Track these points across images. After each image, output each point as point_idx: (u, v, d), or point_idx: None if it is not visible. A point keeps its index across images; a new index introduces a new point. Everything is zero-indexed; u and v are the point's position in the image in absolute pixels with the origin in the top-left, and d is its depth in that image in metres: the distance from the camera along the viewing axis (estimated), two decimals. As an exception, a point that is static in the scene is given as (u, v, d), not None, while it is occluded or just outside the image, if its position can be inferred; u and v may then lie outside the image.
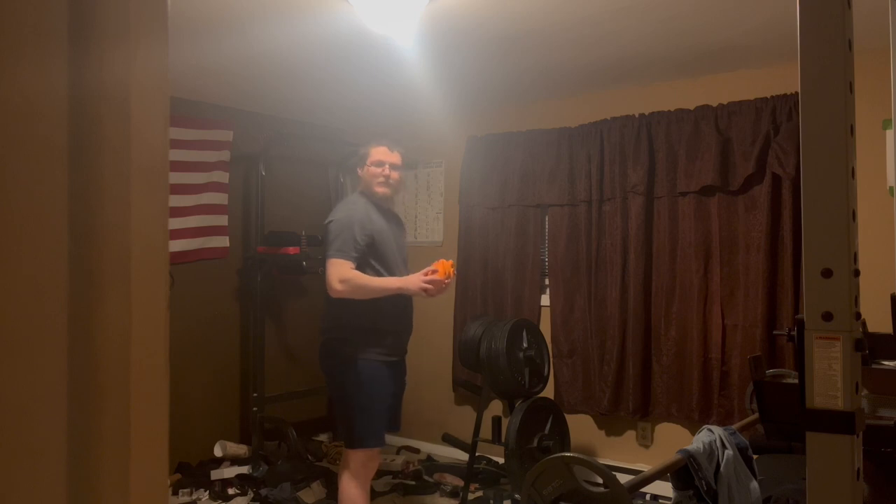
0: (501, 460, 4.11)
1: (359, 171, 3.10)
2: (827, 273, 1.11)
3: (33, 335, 0.35)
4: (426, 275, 2.91)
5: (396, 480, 4.35)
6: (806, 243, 1.14)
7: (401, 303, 3.01)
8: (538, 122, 4.62)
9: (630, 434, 4.31)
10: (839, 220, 1.11)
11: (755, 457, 2.44)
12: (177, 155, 4.21)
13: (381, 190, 3.02)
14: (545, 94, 4.51)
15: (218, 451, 4.43)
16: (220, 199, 4.55)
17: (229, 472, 4.20)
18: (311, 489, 4.06)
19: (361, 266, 2.91)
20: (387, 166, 3.03)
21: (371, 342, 2.93)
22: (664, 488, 3.55)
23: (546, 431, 3.75)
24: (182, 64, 3.70)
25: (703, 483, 2.27)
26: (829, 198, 1.12)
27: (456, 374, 4.88)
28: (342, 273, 2.82)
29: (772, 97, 3.77)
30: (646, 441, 4.25)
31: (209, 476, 4.18)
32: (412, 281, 2.91)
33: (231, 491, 4.07)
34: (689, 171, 3.99)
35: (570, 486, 2.06)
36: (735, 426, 2.57)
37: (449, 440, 4.34)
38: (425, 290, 2.89)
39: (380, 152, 3.05)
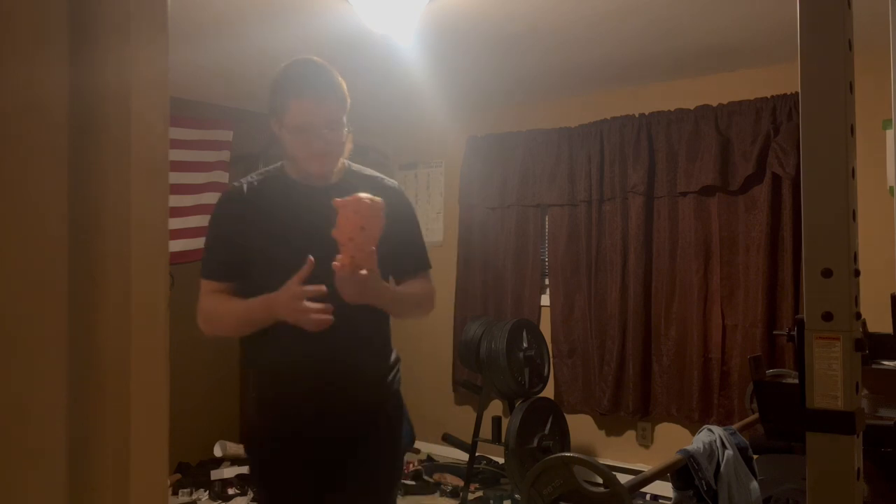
0: (501, 460, 4.11)
1: (274, 129, 1.82)
2: (827, 273, 1.11)
3: (33, 335, 0.35)
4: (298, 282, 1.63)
5: (396, 480, 4.36)
6: (806, 243, 1.14)
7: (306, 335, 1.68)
8: (538, 122, 4.62)
9: (630, 434, 4.31)
10: (839, 220, 1.11)
11: (755, 457, 2.44)
12: (177, 155, 4.20)
13: (312, 167, 1.79)
14: (545, 94, 4.51)
15: (218, 451, 4.43)
16: (221, 199, 4.54)
17: (229, 472, 4.20)
18: (311, 489, 4.05)
19: (250, 289, 1.76)
20: (310, 134, 1.74)
21: (261, 404, 1.86)
22: (664, 488, 3.55)
23: (546, 431, 3.75)
24: (182, 64, 3.70)
25: (703, 483, 2.27)
26: (830, 198, 1.12)
27: (456, 374, 4.88)
28: (200, 300, 1.80)
29: (772, 97, 3.77)
30: (646, 441, 4.25)
31: (209, 476, 4.18)
32: (278, 298, 1.65)
33: (231, 491, 4.07)
34: (689, 171, 3.99)
35: (570, 486, 2.06)
36: (735, 426, 2.57)
37: (449, 440, 4.34)
38: (299, 310, 1.62)
39: (301, 110, 1.73)
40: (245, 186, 1.84)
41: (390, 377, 1.88)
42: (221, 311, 1.79)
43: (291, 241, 1.78)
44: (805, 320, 1.14)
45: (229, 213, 1.85)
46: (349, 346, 1.77)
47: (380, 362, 1.87)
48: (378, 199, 1.59)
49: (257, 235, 1.79)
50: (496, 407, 4.62)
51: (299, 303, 1.62)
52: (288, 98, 1.75)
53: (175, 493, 4.02)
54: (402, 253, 1.87)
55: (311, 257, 1.61)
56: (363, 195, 1.57)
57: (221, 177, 4.54)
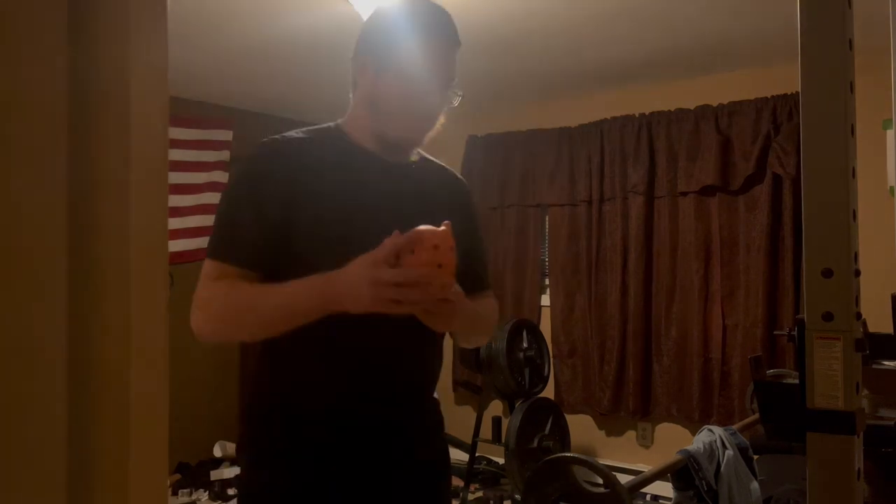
0: (501, 460, 4.11)
1: (364, 73, 1.34)
2: (827, 273, 1.11)
3: (33, 335, 0.35)
4: (393, 258, 1.11)
5: (396, 480, 4.36)
6: (806, 243, 1.13)
7: (358, 333, 1.23)
8: (538, 122, 4.62)
9: (630, 434, 4.31)
10: (840, 220, 1.11)
11: (756, 457, 2.44)
12: (177, 155, 4.20)
13: (406, 133, 1.34)
14: (545, 94, 4.51)
15: (218, 452, 4.43)
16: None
17: (229, 472, 4.20)
18: (311, 489, 4.06)
19: (275, 276, 1.22)
20: (422, 89, 1.31)
21: (281, 445, 1.28)
22: (665, 489, 3.55)
23: (546, 431, 3.75)
24: (182, 64, 3.70)
25: (704, 483, 2.27)
26: (830, 198, 1.12)
27: (456, 374, 4.88)
28: (201, 290, 1.24)
29: (772, 97, 3.77)
30: (646, 441, 4.24)
31: (209, 476, 4.18)
32: (352, 275, 1.12)
33: (231, 491, 4.07)
34: (689, 171, 3.99)
35: (570, 487, 2.05)
36: (735, 426, 2.57)
37: (449, 440, 4.33)
38: (384, 291, 1.10)
39: (421, 55, 1.30)
40: (291, 142, 1.31)
41: (441, 423, 1.47)
42: (244, 301, 1.21)
43: (355, 226, 1.26)
44: (805, 320, 1.14)
45: (271, 171, 1.28)
46: (414, 380, 1.34)
47: (435, 401, 1.44)
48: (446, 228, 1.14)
49: (310, 211, 1.25)
50: (496, 407, 4.61)
51: (380, 275, 1.08)
52: (405, 32, 1.30)
53: (175, 493, 4.02)
54: (465, 267, 1.30)
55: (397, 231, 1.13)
56: (443, 228, 1.13)
57: (221, 177, 4.54)
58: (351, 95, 1.40)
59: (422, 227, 1.13)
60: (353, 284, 1.11)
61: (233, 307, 1.23)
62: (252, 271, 1.23)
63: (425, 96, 1.31)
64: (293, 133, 1.34)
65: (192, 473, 4.25)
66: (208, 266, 1.25)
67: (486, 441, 4.02)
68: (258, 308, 1.22)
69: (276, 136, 1.34)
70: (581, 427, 4.38)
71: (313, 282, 1.16)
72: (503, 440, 3.73)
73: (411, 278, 1.09)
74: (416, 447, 1.34)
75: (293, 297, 1.18)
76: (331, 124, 1.40)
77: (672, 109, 4.08)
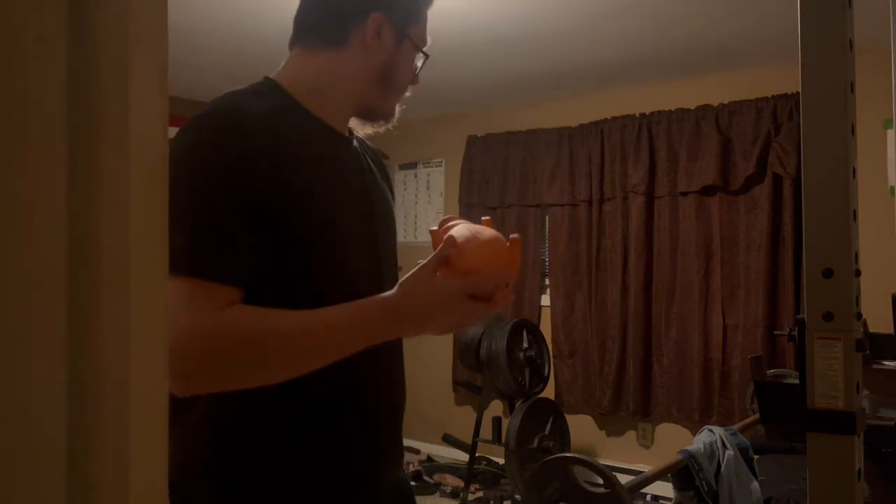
0: (501, 460, 4.11)
1: (379, 34, 1.13)
2: (828, 273, 1.10)
3: (32, 336, 0.35)
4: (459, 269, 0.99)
5: (397, 480, 4.36)
6: (807, 243, 1.13)
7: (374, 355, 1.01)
8: (538, 122, 4.62)
9: (630, 434, 4.31)
10: (840, 219, 1.11)
11: (756, 457, 2.44)
12: (177, 155, 4.21)
13: (391, 106, 1.21)
14: (545, 94, 4.51)
15: (218, 452, 4.43)
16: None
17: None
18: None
19: (261, 286, 0.96)
20: (419, 62, 1.23)
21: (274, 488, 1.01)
22: (665, 489, 3.55)
23: (546, 432, 3.75)
24: (182, 63, 3.70)
25: (704, 484, 2.27)
26: (830, 197, 1.12)
27: (456, 374, 4.88)
28: (204, 320, 0.89)
29: (773, 97, 3.77)
30: (646, 441, 4.24)
31: (209, 476, 4.18)
32: (440, 306, 0.97)
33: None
34: (689, 171, 4.00)
35: (570, 487, 2.05)
36: (736, 426, 2.56)
37: (449, 440, 4.33)
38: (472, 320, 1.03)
39: (425, 26, 1.22)
40: (251, 117, 1.01)
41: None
42: (281, 325, 0.93)
43: (342, 214, 1.07)
44: (806, 320, 1.14)
45: (250, 153, 0.97)
46: (396, 402, 1.17)
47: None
48: None
49: (311, 206, 1.01)
50: (496, 407, 4.62)
51: (467, 300, 0.97)
52: (426, 4, 1.19)
53: (175, 494, 4.02)
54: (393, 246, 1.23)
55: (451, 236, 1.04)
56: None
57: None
58: (310, 52, 1.19)
59: (510, 263, 1.02)
60: (440, 315, 0.99)
61: (263, 336, 0.92)
62: (239, 289, 0.94)
63: (417, 73, 1.22)
64: (241, 102, 1.04)
65: (193, 473, 4.26)
66: (191, 288, 0.89)
67: (486, 441, 4.02)
68: (312, 335, 0.94)
69: (219, 109, 1.04)
70: (581, 427, 4.38)
71: (380, 301, 0.98)
72: (503, 440, 3.73)
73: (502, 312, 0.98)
74: (394, 471, 1.18)
75: (338, 321, 0.95)
76: (266, 83, 1.13)
77: (672, 109, 4.08)
